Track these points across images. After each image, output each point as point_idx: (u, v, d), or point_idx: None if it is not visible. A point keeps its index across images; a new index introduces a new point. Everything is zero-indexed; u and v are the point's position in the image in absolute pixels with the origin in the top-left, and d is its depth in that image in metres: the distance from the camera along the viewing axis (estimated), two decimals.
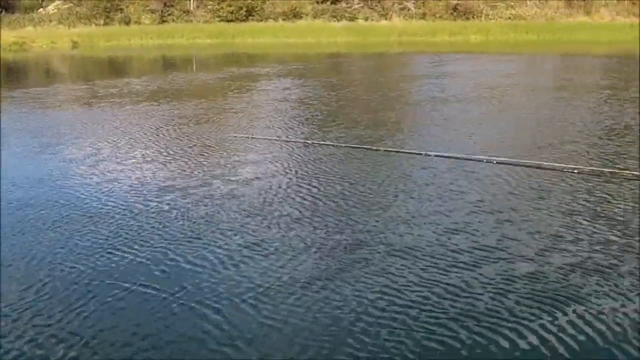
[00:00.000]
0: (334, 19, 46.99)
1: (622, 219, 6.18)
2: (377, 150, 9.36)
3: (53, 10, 48.85)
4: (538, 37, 44.19)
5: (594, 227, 5.95)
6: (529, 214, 6.39)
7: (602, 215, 6.31)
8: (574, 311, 4.29)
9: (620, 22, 54.79)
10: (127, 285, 4.86)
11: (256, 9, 46.90)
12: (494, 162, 8.35)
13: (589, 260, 5.15)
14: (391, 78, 21.36)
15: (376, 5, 51.07)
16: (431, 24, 48.79)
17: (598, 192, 7.12)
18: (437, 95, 15.64)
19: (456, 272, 4.97)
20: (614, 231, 5.83)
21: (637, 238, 5.62)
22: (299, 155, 9.22)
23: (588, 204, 6.66)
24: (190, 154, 9.49)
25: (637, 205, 6.59)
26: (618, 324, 4.11)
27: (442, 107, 13.70)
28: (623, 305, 4.37)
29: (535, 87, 17.73)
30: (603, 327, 4.08)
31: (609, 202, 6.74)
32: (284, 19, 46.75)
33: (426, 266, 5.11)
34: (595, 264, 5.09)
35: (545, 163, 8.27)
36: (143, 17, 47.51)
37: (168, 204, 6.92)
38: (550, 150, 9.25)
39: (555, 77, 20.97)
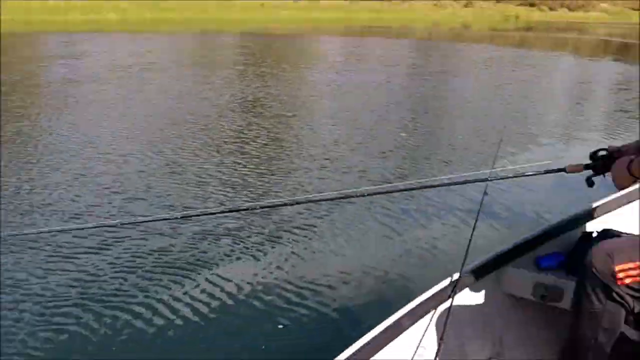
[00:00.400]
0: None
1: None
2: None
3: None
4: (178, 15, 44.60)
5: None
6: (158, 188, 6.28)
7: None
8: (205, 277, 4.30)
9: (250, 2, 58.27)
10: None
11: None
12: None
13: (219, 227, 5.17)
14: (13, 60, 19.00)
15: None
16: (59, 4, 45.38)
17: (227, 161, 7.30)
18: (69, 76, 14.49)
19: (85, 259, 4.57)
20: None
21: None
22: None
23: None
24: None
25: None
26: (244, 283, 4.21)
27: (73, 89, 12.71)
28: (249, 265, 4.51)
29: (173, 64, 17.67)
30: (232, 288, 4.15)
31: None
32: None
33: (50, 255, 4.61)
34: (226, 229, 5.12)
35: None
36: None
37: None
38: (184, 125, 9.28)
39: (192, 55, 21.20)
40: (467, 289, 2.58)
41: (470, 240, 2.67)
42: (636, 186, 3.02)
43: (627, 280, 2.04)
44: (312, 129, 9.51)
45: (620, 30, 44.80)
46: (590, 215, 3.08)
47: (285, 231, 5.14)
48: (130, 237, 4.94)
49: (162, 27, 35.95)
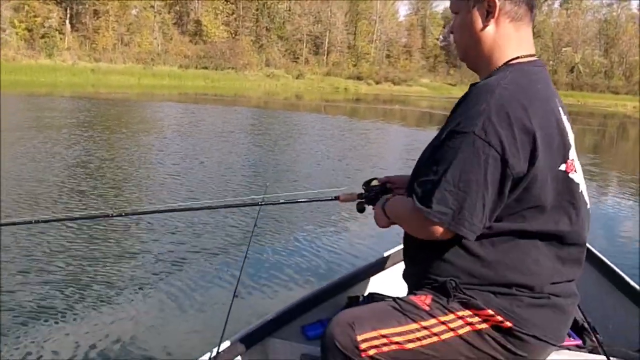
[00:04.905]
0: None
1: None
2: None
3: None
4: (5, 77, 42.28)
5: None
6: None
7: None
8: None
9: (81, 66, 56.78)
10: None
11: None
12: None
13: None
14: None
15: None
16: None
17: None
18: None
19: None
20: None
21: None
22: None
23: None
24: None
25: None
26: None
27: None
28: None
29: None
30: None
31: None
32: None
33: None
34: None
35: None
36: None
37: None
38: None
39: (20, 117, 20.04)
40: None
41: (232, 300, 2.52)
42: (398, 248, 3.11)
43: (371, 352, 1.89)
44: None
45: (440, 103, 48.84)
46: (356, 278, 3.01)
47: None
48: None
49: None
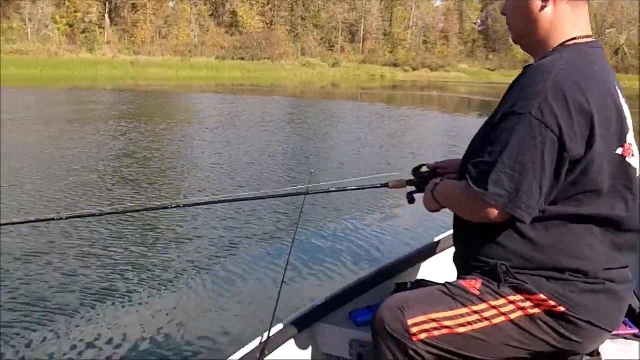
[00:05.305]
0: None
1: None
2: None
3: None
4: (41, 72, 43.17)
5: None
6: None
7: None
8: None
9: (121, 59, 57.60)
10: None
11: None
12: None
13: None
14: None
15: None
16: None
17: None
18: None
19: None
20: None
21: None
22: None
23: None
24: None
25: None
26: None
27: None
28: None
29: (44, 119, 17.01)
30: None
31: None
32: None
33: None
34: None
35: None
36: None
37: None
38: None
39: (66, 110, 20.52)
40: (278, 350, 2.38)
41: (281, 285, 2.59)
42: (450, 232, 2.96)
43: (422, 336, 1.89)
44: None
45: (478, 88, 48.25)
46: (404, 265, 2.99)
47: None
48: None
49: (28, 83, 34.48)
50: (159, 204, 6.81)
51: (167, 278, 5.15)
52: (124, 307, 4.58)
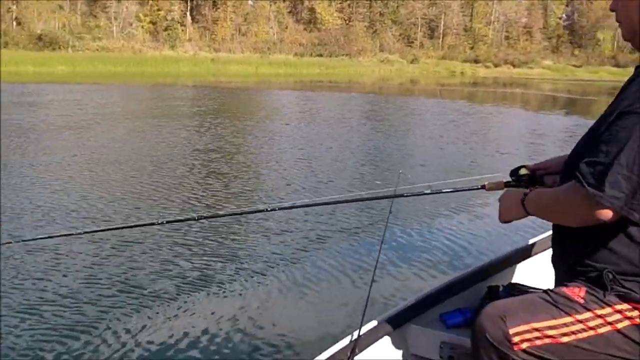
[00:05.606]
0: None
1: None
2: None
3: None
4: (126, 69, 44.75)
5: None
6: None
7: None
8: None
9: (202, 56, 58.97)
10: None
11: None
12: None
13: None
14: None
15: None
16: (13, 53, 45.32)
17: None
18: (30, 126, 14.19)
19: None
20: None
21: None
22: None
23: None
24: None
25: None
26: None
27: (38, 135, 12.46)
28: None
29: (130, 115, 17.59)
30: None
31: None
32: None
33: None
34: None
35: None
36: None
37: None
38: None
39: (148, 106, 21.16)
40: (368, 350, 2.35)
41: (371, 284, 2.69)
42: (545, 235, 2.98)
43: (524, 345, 1.84)
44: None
45: (564, 85, 46.75)
46: (497, 267, 2.92)
47: None
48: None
49: (113, 79, 35.79)
50: (247, 201, 6.89)
51: (259, 270, 5.18)
52: (217, 296, 4.64)
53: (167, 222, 2.59)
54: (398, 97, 29.71)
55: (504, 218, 2.11)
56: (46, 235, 4.53)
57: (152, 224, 3.18)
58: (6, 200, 7.18)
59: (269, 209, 3.05)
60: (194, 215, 3.70)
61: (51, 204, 7.15)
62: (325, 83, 40.57)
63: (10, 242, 5.15)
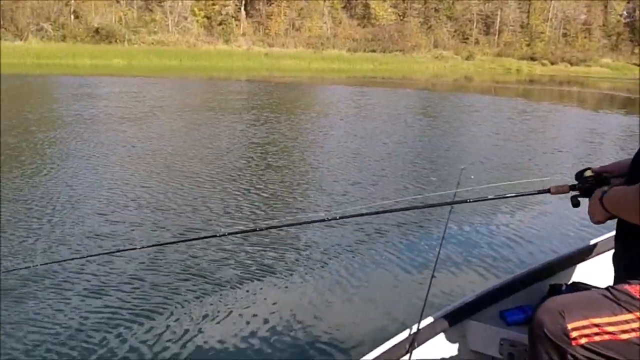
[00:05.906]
0: None
1: None
2: None
3: None
4: (180, 63, 45.42)
5: None
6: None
7: None
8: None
9: (255, 50, 59.40)
10: None
11: None
12: None
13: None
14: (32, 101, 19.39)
15: (9, 25, 46.92)
16: (71, 47, 46.53)
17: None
18: (90, 117, 14.58)
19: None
20: None
21: None
22: None
23: None
24: None
25: None
26: None
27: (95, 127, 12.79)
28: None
29: (187, 108, 17.86)
30: None
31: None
32: None
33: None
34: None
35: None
36: None
37: None
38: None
39: (203, 100, 21.44)
40: (427, 344, 2.36)
41: (431, 280, 2.59)
42: (608, 235, 2.91)
43: (582, 341, 1.84)
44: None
45: (623, 84, 45.38)
46: (559, 266, 2.88)
47: None
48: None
49: (168, 73, 36.39)
50: (304, 194, 6.92)
51: (320, 263, 5.20)
52: (277, 287, 4.70)
53: (229, 234, 2.64)
54: (453, 94, 29.35)
55: (594, 219, 2.07)
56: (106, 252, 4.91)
57: (214, 236, 3.29)
58: (80, 188, 7.49)
59: (329, 218, 3.08)
60: (254, 226, 3.78)
61: (115, 192, 7.37)
62: (378, 79, 40.35)
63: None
